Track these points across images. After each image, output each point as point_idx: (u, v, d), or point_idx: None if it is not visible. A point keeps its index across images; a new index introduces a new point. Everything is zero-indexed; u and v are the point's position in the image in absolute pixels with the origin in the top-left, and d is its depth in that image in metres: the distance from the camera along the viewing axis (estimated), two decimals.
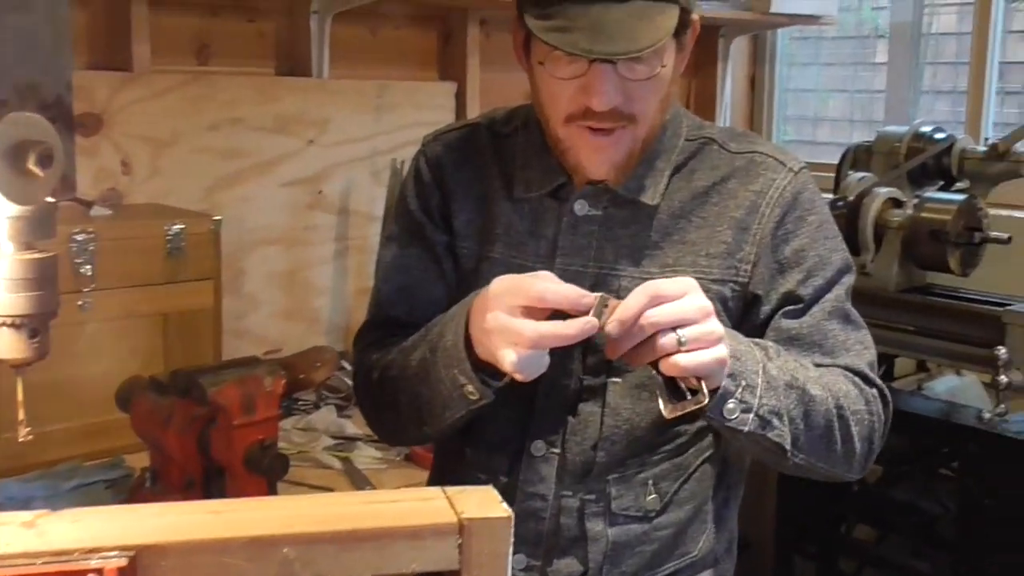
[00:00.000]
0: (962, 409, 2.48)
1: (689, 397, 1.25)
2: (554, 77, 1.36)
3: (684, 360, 1.23)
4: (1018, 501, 2.30)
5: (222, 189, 2.70)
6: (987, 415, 2.27)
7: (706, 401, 1.25)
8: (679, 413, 1.26)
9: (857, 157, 2.89)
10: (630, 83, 1.35)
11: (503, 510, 0.90)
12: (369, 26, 3.02)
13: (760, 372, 1.30)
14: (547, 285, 1.25)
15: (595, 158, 1.41)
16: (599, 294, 1.26)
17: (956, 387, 2.69)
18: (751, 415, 1.30)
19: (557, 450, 1.46)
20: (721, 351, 1.25)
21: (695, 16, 1.41)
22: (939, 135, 2.78)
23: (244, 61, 2.81)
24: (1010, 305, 2.33)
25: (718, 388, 1.27)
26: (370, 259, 2.94)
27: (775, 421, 1.32)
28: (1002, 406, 2.24)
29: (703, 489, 1.50)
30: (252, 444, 1.81)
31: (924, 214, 2.57)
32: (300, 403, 2.63)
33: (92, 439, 2.18)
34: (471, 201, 1.54)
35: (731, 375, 1.28)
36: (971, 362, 2.50)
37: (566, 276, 1.43)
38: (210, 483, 1.89)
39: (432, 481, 1.68)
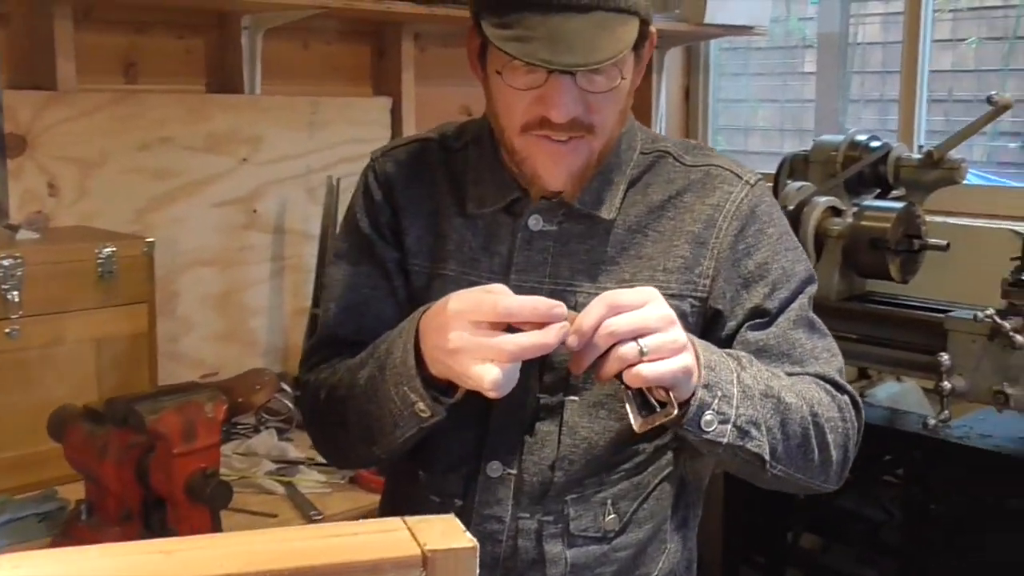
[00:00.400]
0: (906, 416, 2.50)
1: (659, 410, 1.23)
2: (511, 87, 1.33)
3: (647, 370, 1.20)
4: (962, 506, 2.32)
5: (153, 210, 2.64)
6: (932, 422, 2.28)
7: (675, 412, 1.23)
8: (650, 426, 1.24)
9: (794, 167, 2.91)
10: (589, 95, 1.33)
11: (467, 540, 0.88)
12: (301, 41, 2.98)
13: (735, 382, 1.28)
14: (513, 300, 1.22)
15: (552, 168, 1.38)
16: (573, 314, 1.23)
17: (897, 393, 2.70)
18: (729, 426, 1.27)
19: (514, 471, 1.42)
20: (686, 360, 1.23)
21: (652, 28, 1.39)
22: (874, 143, 2.80)
23: (173, 79, 2.75)
24: (951, 312, 2.35)
25: (691, 399, 1.25)
26: (307, 278, 2.92)
27: (753, 431, 1.29)
28: (945, 412, 2.26)
29: (662, 508, 1.48)
30: (194, 473, 1.76)
31: (864, 222, 2.59)
32: (240, 427, 2.58)
33: (23, 471, 2.11)
34: (422, 218, 1.51)
35: (706, 386, 1.26)
36: (913, 368, 2.51)
37: (521, 292, 1.39)
38: (150, 515, 1.84)
39: (384, 505, 1.63)
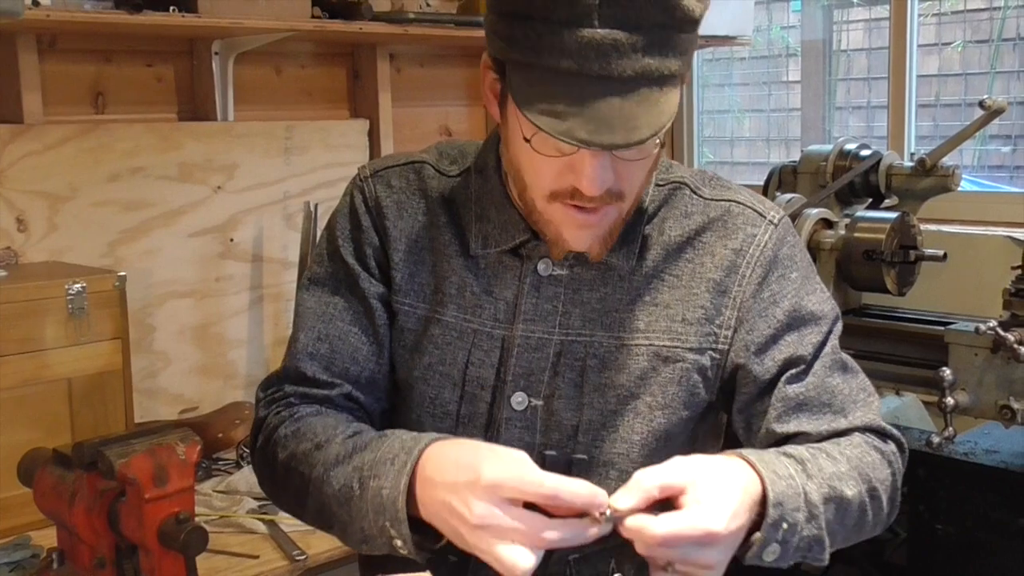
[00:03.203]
0: (908, 432, 2.43)
1: None
2: (539, 153, 1.21)
3: None
4: (969, 524, 2.25)
5: (126, 243, 2.59)
6: (936, 439, 2.20)
7: None
8: None
9: (782, 178, 2.85)
10: (622, 163, 1.21)
11: None
12: (273, 65, 2.93)
13: (802, 505, 1.20)
14: (561, 482, 1.11)
15: (578, 234, 1.27)
16: (609, 503, 1.13)
17: (898, 408, 2.63)
18: (791, 550, 1.20)
19: None
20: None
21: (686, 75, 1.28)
22: (864, 152, 2.74)
23: (143, 108, 2.70)
24: (951, 324, 2.28)
25: (751, 537, 1.17)
26: (287, 307, 2.86)
27: (815, 547, 1.23)
28: (950, 429, 2.18)
29: None
30: (166, 518, 1.68)
31: (857, 234, 2.52)
32: (220, 463, 2.51)
33: None
34: (415, 253, 1.39)
35: (772, 524, 1.17)
36: (914, 384, 2.45)
37: (529, 344, 1.32)
38: (123, 562, 1.77)
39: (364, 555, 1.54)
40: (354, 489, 1.22)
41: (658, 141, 1.21)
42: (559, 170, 1.21)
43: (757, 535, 1.17)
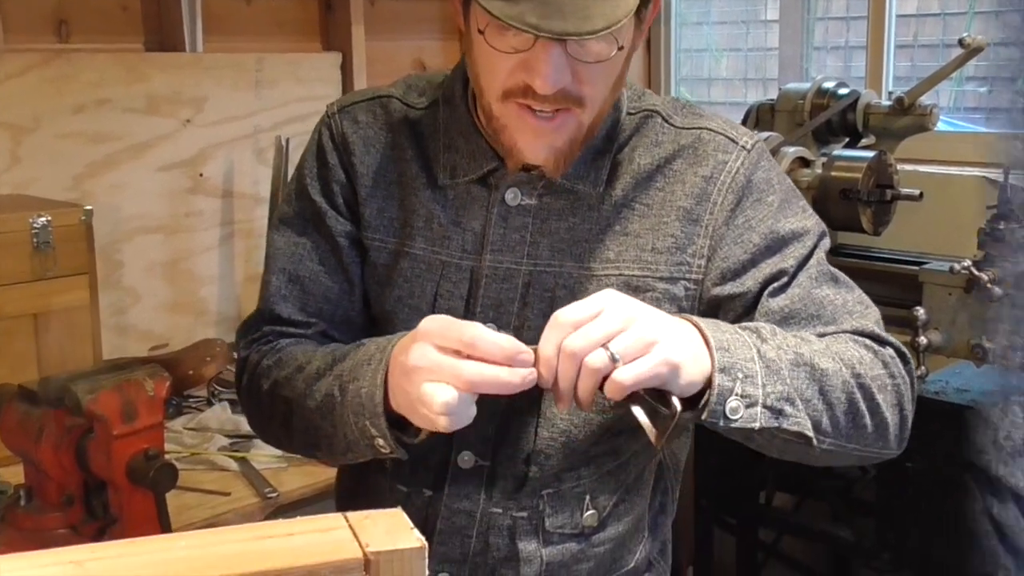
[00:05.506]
0: None
1: (665, 412, 1.12)
2: (493, 48, 1.19)
3: (623, 375, 1.08)
4: (938, 461, 2.26)
5: (92, 176, 2.54)
6: None
7: (679, 411, 1.11)
8: (665, 436, 1.12)
9: (760, 116, 2.82)
10: (580, 64, 1.19)
11: (415, 539, 0.79)
12: None
13: (756, 358, 1.15)
14: (481, 331, 1.11)
15: (534, 143, 1.24)
16: (535, 347, 1.12)
17: None
18: (759, 408, 1.14)
19: (486, 462, 1.32)
20: (663, 353, 1.10)
21: None
22: (842, 90, 2.71)
23: (109, 37, 2.62)
24: (926, 264, 2.27)
25: (707, 389, 1.13)
26: (259, 243, 2.83)
27: (788, 408, 1.15)
28: (922, 367, 2.18)
29: (642, 499, 1.40)
30: (135, 455, 1.68)
31: (834, 173, 2.49)
32: (191, 400, 2.50)
33: None
34: (383, 187, 1.37)
35: (723, 369, 1.13)
36: (887, 323, 2.43)
37: (497, 274, 1.30)
38: (92, 499, 1.76)
39: (342, 491, 1.53)
40: (335, 396, 1.24)
41: (618, 45, 1.19)
42: (513, 66, 1.19)
43: (711, 385, 1.13)
